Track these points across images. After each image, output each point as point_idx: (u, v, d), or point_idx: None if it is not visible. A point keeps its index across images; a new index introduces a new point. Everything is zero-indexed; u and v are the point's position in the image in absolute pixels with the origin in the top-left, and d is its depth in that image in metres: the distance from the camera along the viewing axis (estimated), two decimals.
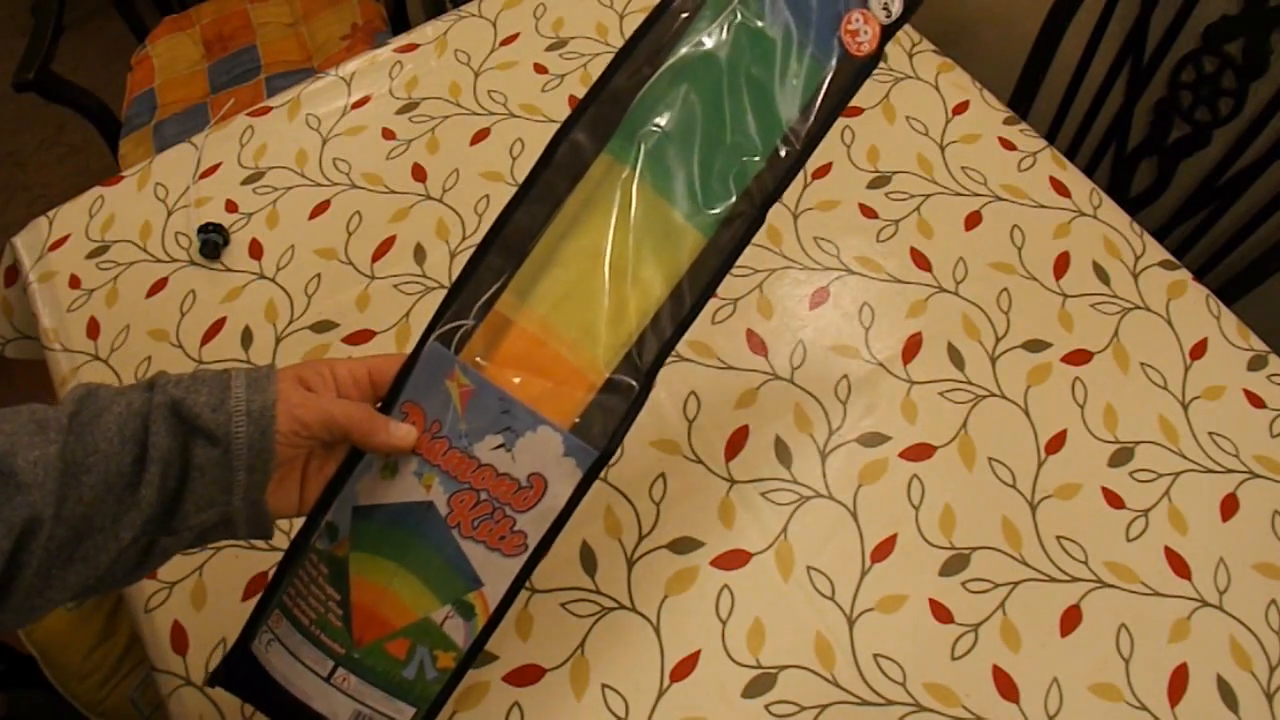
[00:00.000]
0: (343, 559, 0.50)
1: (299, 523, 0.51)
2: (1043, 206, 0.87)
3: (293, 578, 0.51)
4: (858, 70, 0.53)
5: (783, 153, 0.52)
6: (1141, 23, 0.99)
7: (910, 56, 0.99)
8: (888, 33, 0.53)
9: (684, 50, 0.51)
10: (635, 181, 0.51)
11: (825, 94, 0.52)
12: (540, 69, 1.00)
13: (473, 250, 0.51)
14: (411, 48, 1.03)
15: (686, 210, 0.51)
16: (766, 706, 0.64)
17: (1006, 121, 0.93)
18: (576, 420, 0.49)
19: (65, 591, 0.42)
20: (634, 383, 0.50)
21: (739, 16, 0.51)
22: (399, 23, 1.49)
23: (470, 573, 0.49)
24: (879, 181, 0.90)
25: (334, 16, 1.47)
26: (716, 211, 0.51)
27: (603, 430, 0.50)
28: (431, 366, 0.49)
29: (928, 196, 0.89)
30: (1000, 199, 0.88)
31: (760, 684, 0.65)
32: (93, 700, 0.95)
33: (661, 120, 0.51)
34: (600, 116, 0.51)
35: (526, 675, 0.66)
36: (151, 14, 1.54)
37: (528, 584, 0.53)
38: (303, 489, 0.50)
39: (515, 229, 0.50)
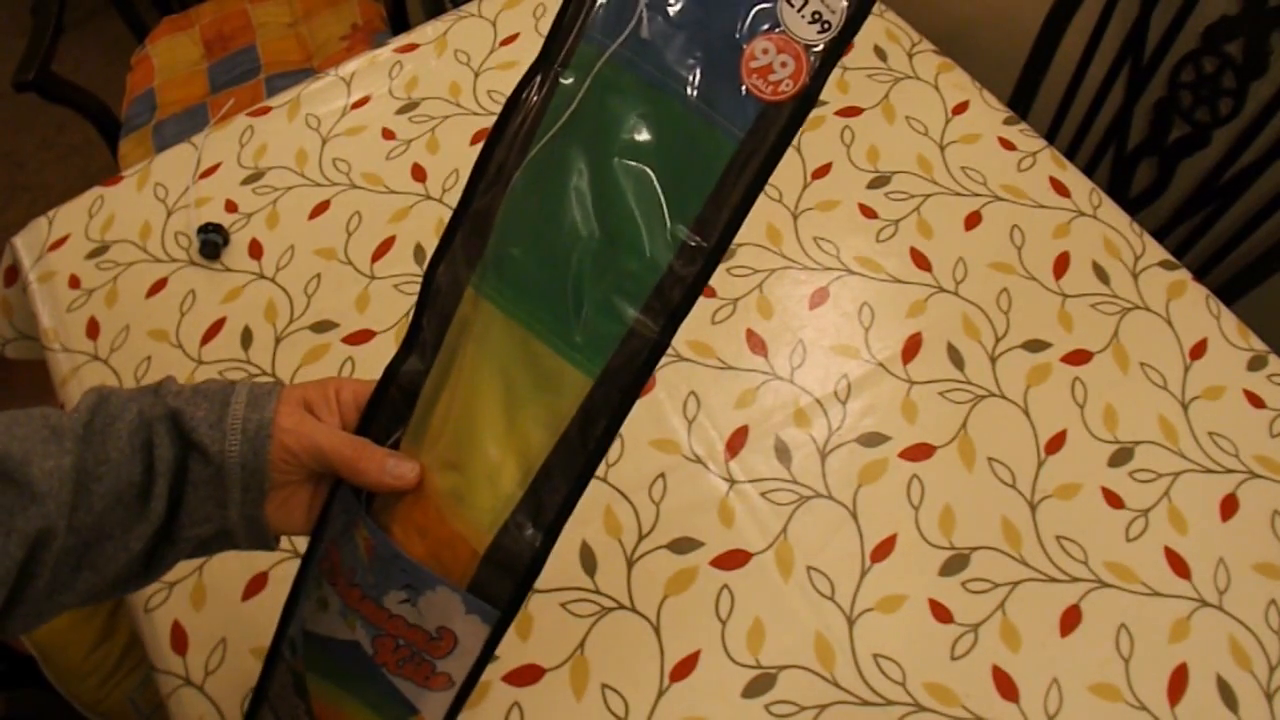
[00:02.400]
0: (301, 674, 0.50)
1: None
2: (1043, 206, 0.87)
3: (274, 673, 0.51)
4: (786, 122, 0.39)
5: (686, 257, 0.40)
6: (1141, 23, 0.99)
7: (910, 56, 0.99)
8: (826, 57, 0.38)
9: (543, 145, 0.41)
10: (499, 318, 0.42)
11: (731, 169, 0.39)
12: None
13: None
14: (411, 48, 1.03)
15: (560, 346, 0.42)
16: (766, 706, 0.64)
17: (1006, 121, 0.93)
18: (471, 581, 0.44)
19: (73, 597, 0.43)
20: (522, 544, 0.43)
21: (606, 86, 0.40)
22: (399, 23, 1.49)
23: (406, 702, 0.47)
24: (879, 181, 0.90)
25: (334, 16, 1.47)
26: (601, 343, 0.41)
27: (501, 590, 0.44)
28: (345, 512, 0.47)
29: (928, 196, 0.89)
30: (1000, 199, 0.88)
31: (760, 684, 0.65)
32: (93, 700, 0.95)
33: (520, 240, 0.42)
34: (463, 244, 0.44)
35: (526, 675, 0.66)
36: (151, 14, 1.54)
37: None
38: (309, 507, 0.49)
39: (404, 376, 0.46)
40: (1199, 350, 0.78)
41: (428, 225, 0.89)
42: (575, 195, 0.41)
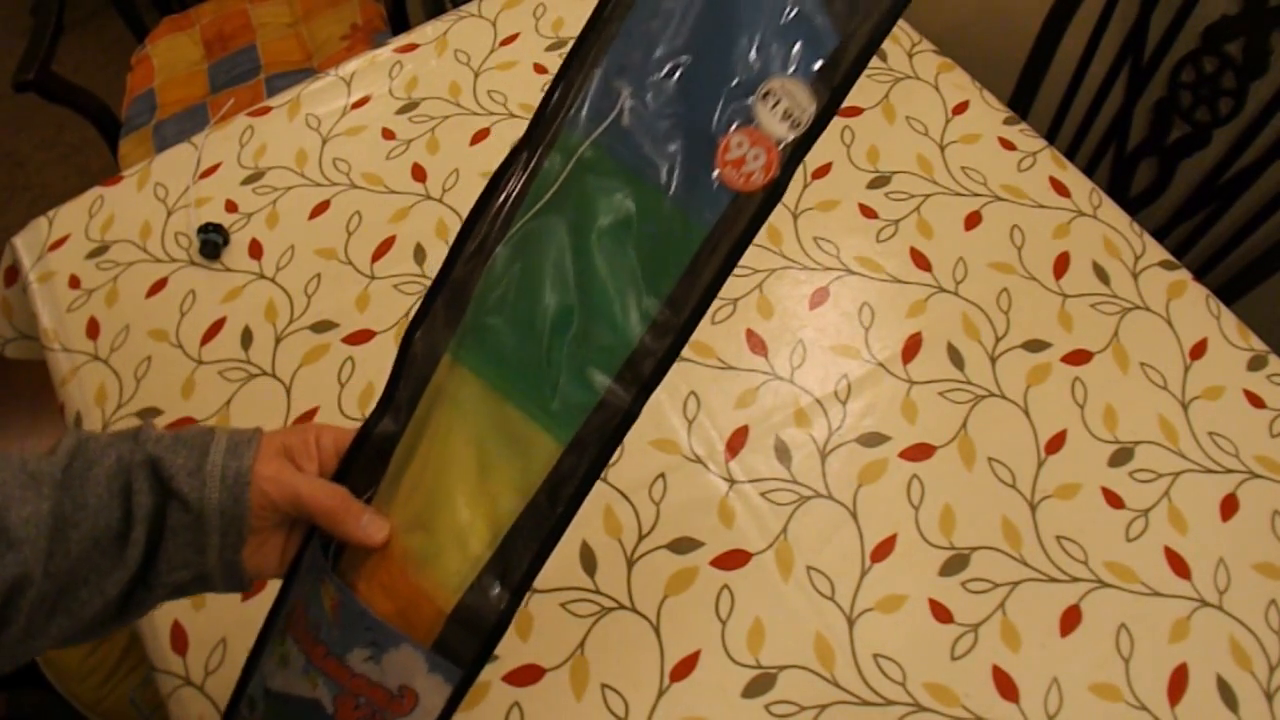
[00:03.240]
0: None
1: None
2: (1043, 206, 0.87)
3: None
4: (755, 210, 0.42)
5: (657, 332, 0.43)
6: (1141, 23, 0.99)
7: (910, 56, 0.99)
8: (795, 151, 0.41)
9: (525, 221, 0.43)
10: (475, 384, 0.44)
11: (703, 252, 0.42)
12: (540, 69, 1.00)
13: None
14: (411, 48, 1.03)
15: (535, 412, 0.43)
16: (766, 706, 0.64)
17: (1006, 121, 0.93)
18: (436, 639, 0.45)
19: (46, 642, 0.43)
20: (488, 604, 0.44)
21: (587, 169, 0.43)
22: (399, 23, 1.49)
23: None
24: (879, 181, 0.90)
25: (334, 16, 1.47)
26: (573, 411, 0.43)
27: (465, 649, 0.45)
28: (312, 570, 0.47)
29: (928, 196, 0.89)
30: (1000, 199, 0.88)
31: (760, 684, 0.65)
32: (93, 700, 0.95)
33: (500, 310, 0.43)
34: (442, 312, 0.45)
35: (526, 675, 0.66)
36: (151, 14, 1.54)
37: None
38: (284, 551, 0.49)
39: (378, 437, 0.47)
40: (1199, 350, 0.78)
41: (428, 225, 0.89)
42: (555, 270, 0.43)
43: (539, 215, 0.43)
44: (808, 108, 0.41)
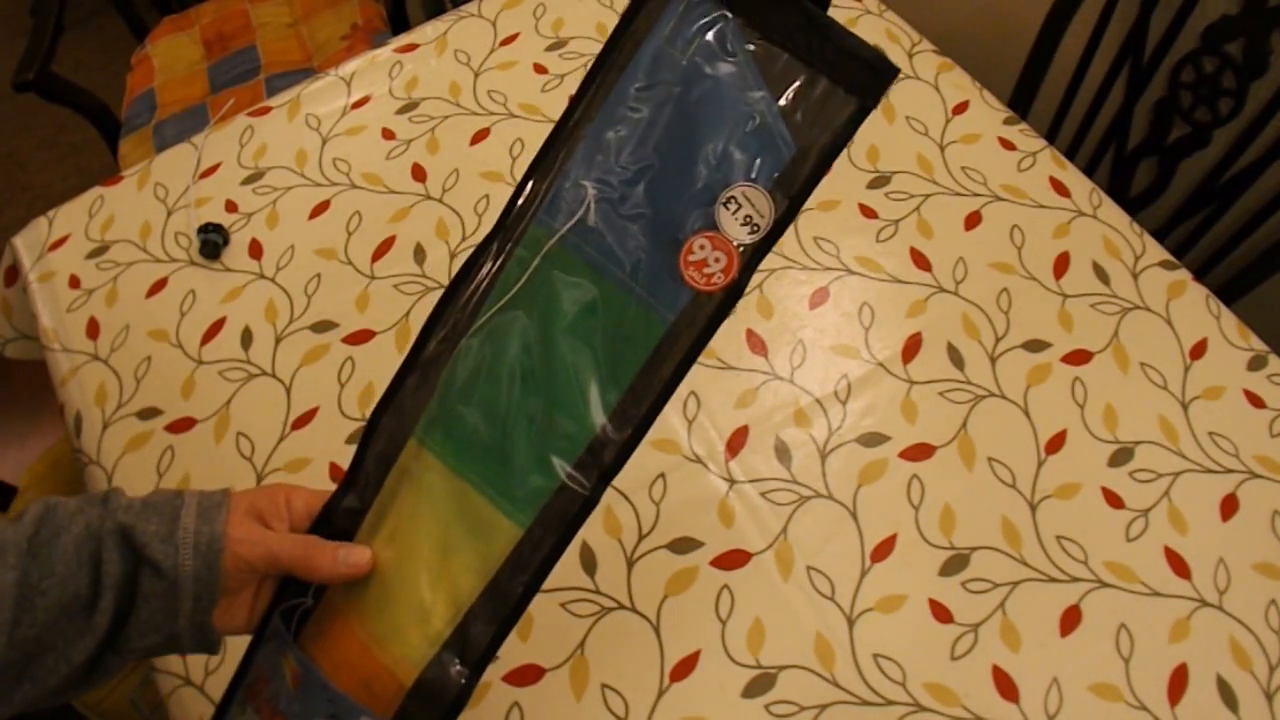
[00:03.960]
0: None
1: None
2: (1043, 206, 0.87)
3: None
4: (715, 309, 0.44)
5: (618, 422, 0.44)
6: (1141, 23, 0.99)
7: (910, 56, 0.99)
8: (754, 254, 0.44)
9: (493, 313, 0.45)
10: (440, 469, 0.46)
11: (662, 347, 0.44)
12: (540, 69, 1.00)
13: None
14: (411, 48, 1.03)
15: (496, 498, 0.45)
16: (766, 706, 0.64)
17: (1006, 121, 0.93)
18: (396, 712, 0.46)
19: (8, 709, 0.42)
20: (448, 679, 0.45)
21: (554, 264, 0.45)
22: (399, 23, 1.49)
23: None
24: (879, 181, 0.90)
25: (334, 16, 1.47)
26: (534, 497, 0.45)
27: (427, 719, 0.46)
28: (275, 640, 0.48)
29: (928, 196, 0.89)
30: (1000, 199, 0.88)
31: (760, 684, 0.65)
32: (93, 700, 0.95)
33: (466, 399, 0.45)
34: (411, 394, 0.47)
35: (526, 675, 0.66)
36: (151, 14, 1.54)
37: None
38: (252, 609, 0.49)
39: (341, 515, 0.48)
40: (1199, 350, 0.78)
41: (428, 225, 0.89)
42: (520, 361, 0.45)
43: (506, 308, 0.45)
44: (767, 214, 0.43)
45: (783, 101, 0.43)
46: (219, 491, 0.47)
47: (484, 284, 0.46)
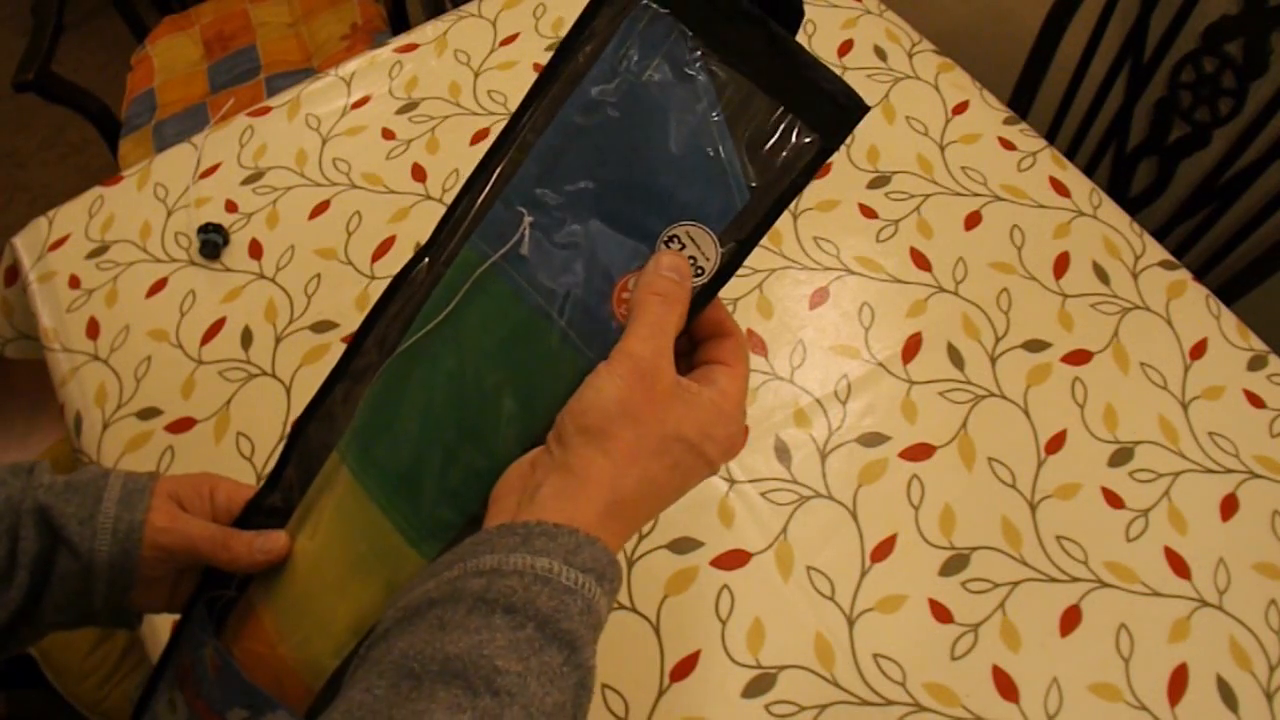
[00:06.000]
0: None
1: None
2: (1043, 206, 0.87)
3: None
4: None
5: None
6: (1141, 23, 0.99)
7: (910, 56, 0.99)
8: (696, 298, 0.40)
9: (418, 336, 0.43)
10: (355, 489, 0.44)
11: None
12: (540, 69, 1.00)
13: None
14: (411, 48, 1.03)
15: (404, 527, 0.43)
16: (766, 706, 0.64)
17: (1006, 121, 0.93)
18: (309, 710, 0.45)
19: None
20: None
21: (482, 290, 0.42)
22: (399, 23, 1.49)
23: None
24: (879, 181, 0.90)
25: (334, 16, 1.47)
26: (441, 530, 0.43)
27: None
28: (198, 628, 0.48)
29: (928, 196, 0.89)
30: (1000, 199, 0.88)
31: (760, 684, 0.65)
32: (93, 700, 0.95)
33: (384, 421, 0.44)
34: (339, 404, 0.46)
35: None
36: (151, 14, 1.54)
37: None
38: (173, 593, 0.49)
39: (266, 509, 0.48)
40: (1199, 350, 0.78)
41: (428, 225, 0.88)
42: (441, 387, 0.43)
43: (431, 332, 0.43)
44: (712, 257, 0.40)
45: (739, 133, 0.39)
46: (145, 475, 0.47)
47: (413, 300, 0.44)
